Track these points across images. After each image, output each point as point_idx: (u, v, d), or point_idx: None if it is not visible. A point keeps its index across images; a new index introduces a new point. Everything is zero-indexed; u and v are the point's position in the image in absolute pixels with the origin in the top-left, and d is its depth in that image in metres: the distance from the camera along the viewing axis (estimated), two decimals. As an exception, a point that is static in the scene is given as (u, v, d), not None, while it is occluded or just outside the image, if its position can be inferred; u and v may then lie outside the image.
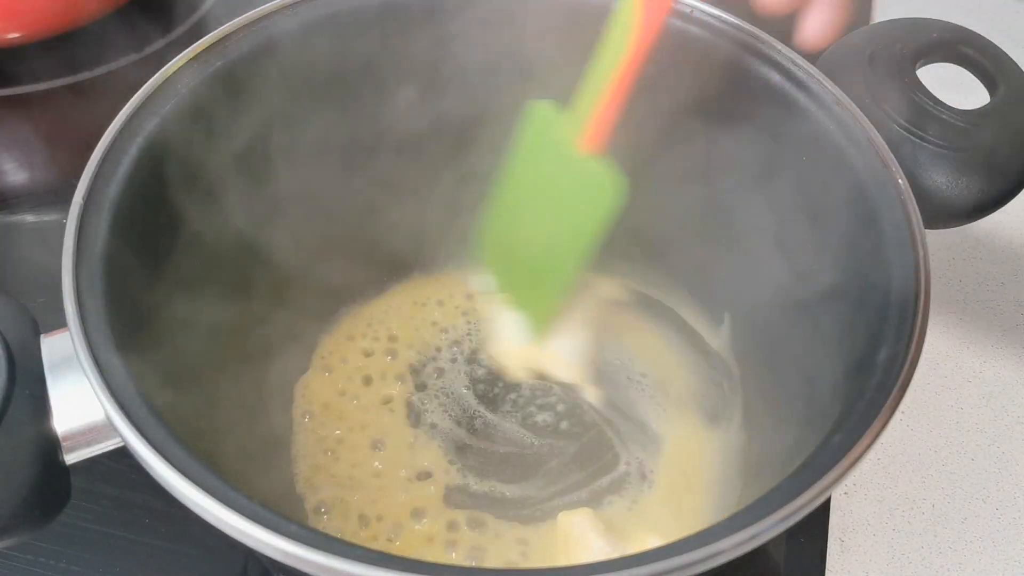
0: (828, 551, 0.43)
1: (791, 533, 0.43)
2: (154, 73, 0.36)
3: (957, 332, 0.53)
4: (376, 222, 0.46)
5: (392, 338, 0.47)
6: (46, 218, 0.56)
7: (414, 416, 0.45)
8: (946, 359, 0.52)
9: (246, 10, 0.39)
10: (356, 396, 0.45)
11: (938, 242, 0.58)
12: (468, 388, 0.46)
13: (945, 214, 0.39)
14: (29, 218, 0.56)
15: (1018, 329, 0.54)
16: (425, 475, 0.42)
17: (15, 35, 0.63)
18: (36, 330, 0.31)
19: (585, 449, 0.44)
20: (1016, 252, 0.57)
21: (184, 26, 0.67)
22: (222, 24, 0.39)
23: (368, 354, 0.47)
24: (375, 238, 0.47)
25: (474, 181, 0.46)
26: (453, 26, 0.42)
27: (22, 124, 0.62)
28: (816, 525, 0.44)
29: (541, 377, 0.46)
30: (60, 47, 0.64)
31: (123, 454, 0.29)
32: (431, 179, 0.46)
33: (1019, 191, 0.39)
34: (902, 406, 0.29)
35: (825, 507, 0.45)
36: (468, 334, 0.48)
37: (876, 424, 0.29)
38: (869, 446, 0.28)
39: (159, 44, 0.66)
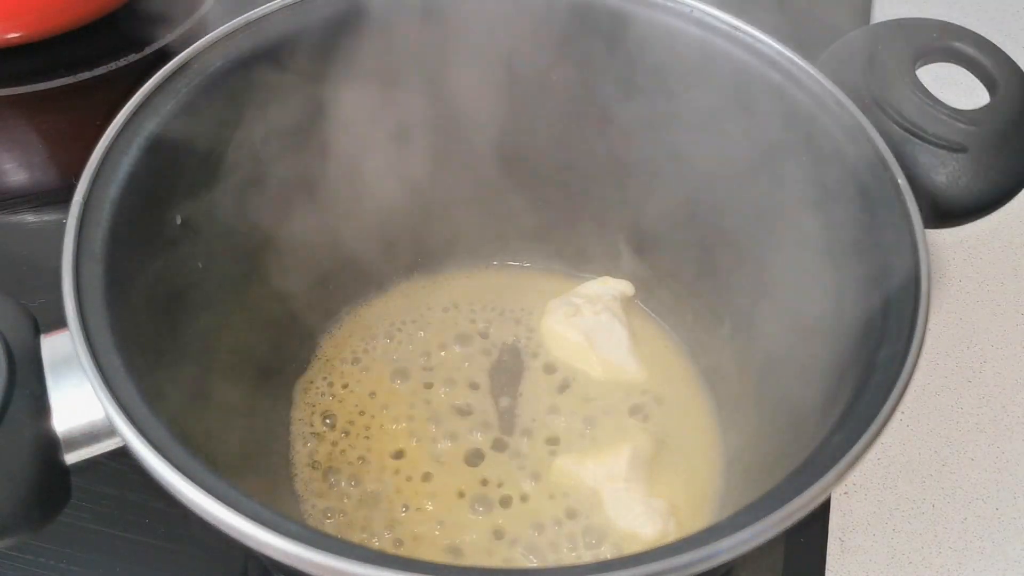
0: (828, 551, 0.43)
1: (791, 533, 0.43)
2: (155, 73, 0.36)
3: (957, 332, 0.53)
4: (376, 223, 0.46)
5: (393, 338, 0.47)
6: (46, 218, 0.56)
7: (415, 417, 0.44)
8: (946, 359, 0.52)
9: (246, 10, 0.39)
10: (356, 397, 0.45)
11: (938, 242, 0.58)
12: (471, 388, 0.46)
13: (945, 214, 0.39)
14: (29, 218, 0.57)
15: (1018, 329, 0.53)
16: (428, 475, 0.42)
17: (15, 35, 0.63)
18: (36, 330, 0.31)
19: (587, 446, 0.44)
20: (1016, 252, 0.57)
21: (184, 26, 0.67)
22: (222, 24, 0.39)
23: (368, 354, 0.47)
24: (375, 239, 0.47)
25: (473, 178, 0.46)
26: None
27: (22, 124, 0.63)
28: (816, 525, 0.44)
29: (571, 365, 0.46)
30: (60, 47, 0.65)
31: (123, 454, 0.29)
32: (429, 178, 0.46)
33: (1019, 191, 0.39)
34: (902, 406, 0.29)
35: (825, 507, 0.45)
36: (471, 334, 0.48)
37: (876, 423, 0.29)
38: (869, 445, 0.28)
39: (159, 44, 0.66)
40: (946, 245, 0.57)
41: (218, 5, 0.69)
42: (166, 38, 0.66)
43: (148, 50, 0.65)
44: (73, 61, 0.64)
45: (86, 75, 0.63)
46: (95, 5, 0.65)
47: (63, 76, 0.63)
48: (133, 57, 0.64)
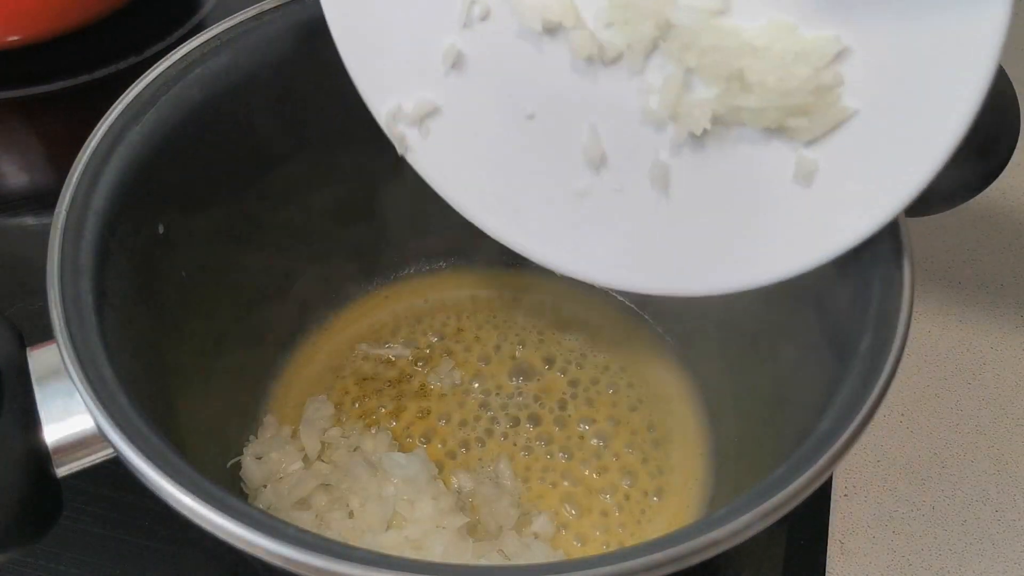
0: (828, 553, 0.43)
1: (791, 535, 0.43)
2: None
3: (957, 334, 0.53)
4: (363, 223, 0.46)
5: (377, 340, 0.48)
6: (47, 220, 0.56)
7: (409, 418, 0.45)
8: (946, 361, 0.52)
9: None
10: (339, 402, 0.45)
11: (939, 244, 0.57)
12: (451, 388, 0.46)
13: (921, 201, 0.38)
14: (29, 220, 0.57)
15: (1018, 331, 0.53)
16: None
17: (15, 38, 0.63)
18: (22, 343, 0.31)
19: (587, 458, 0.44)
20: (1016, 254, 0.57)
21: (184, 28, 0.67)
22: (220, 26, 0.38)
23: (353, 356, 0.47)
24: (361, 239, 0.47)
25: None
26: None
27: (23, 127, 0.63)
28: (816, 528, 0.44)
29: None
30: (60, 49, 0.65)
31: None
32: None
33: (993, 179, 0.39)
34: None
35: (825, 510, 0.45)
36: (455, 339, 0.48)
37: (864, 410, 0.29)
38: (853, 438, 0.28)
39: (159, 46, 0.66)
40: (947, 247, 0.57)
41: (218, 7, 0.69)
42: (166, 40, 0.66)
43: (148, 52, 0.65)
44: (73, 64, 0.64)
45: (86, 78, 0.64)
46: (95, 8, 0.65)
47: (63, 79, 0.63)
48: (133, 60, 0.64)
